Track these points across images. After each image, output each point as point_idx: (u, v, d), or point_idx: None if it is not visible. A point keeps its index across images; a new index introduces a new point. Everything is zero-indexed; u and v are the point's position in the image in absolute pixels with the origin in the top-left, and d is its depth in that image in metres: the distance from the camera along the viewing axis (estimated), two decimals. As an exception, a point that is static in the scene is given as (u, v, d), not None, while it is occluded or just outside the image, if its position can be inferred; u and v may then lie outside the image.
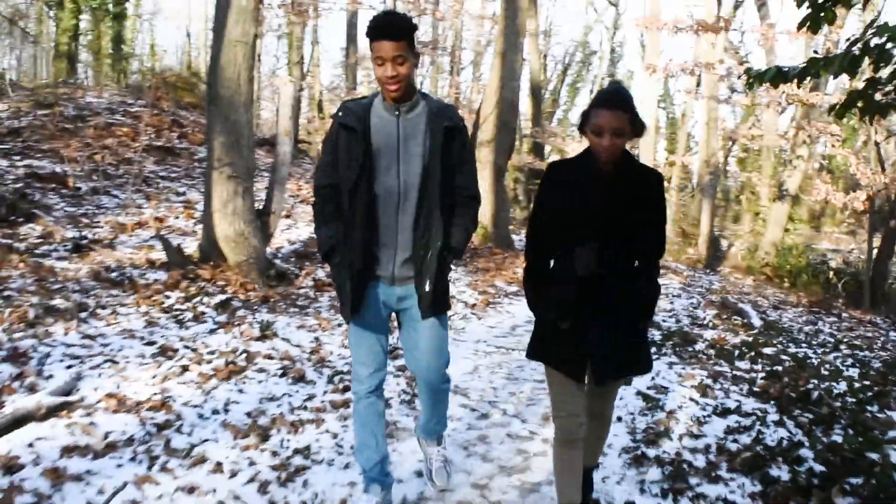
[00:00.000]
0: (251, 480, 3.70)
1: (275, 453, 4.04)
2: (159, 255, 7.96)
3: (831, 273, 13.76)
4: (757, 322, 8.19)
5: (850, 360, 6.45)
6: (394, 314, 3.30)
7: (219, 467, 3.79)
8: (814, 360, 6.35)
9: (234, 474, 3.75)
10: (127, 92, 14.85)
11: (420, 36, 22.46)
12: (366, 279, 3.11)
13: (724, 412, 4.91)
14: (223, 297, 6.92)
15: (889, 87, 2.73)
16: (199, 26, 35.51)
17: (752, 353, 6.53)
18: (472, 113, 16.71)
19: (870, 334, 8.58)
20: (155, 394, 4.55)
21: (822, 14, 2.61)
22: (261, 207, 8.43)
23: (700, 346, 6.99)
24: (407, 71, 2.95)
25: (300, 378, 5.29)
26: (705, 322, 8.52)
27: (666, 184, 23.06)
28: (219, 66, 7.53)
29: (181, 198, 10.93)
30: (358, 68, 25.28)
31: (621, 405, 5.21)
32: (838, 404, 4.69)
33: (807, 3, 2.60)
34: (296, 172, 14.99)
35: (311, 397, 4.95)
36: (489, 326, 8.18)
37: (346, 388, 5.10)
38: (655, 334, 7.42)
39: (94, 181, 10.16)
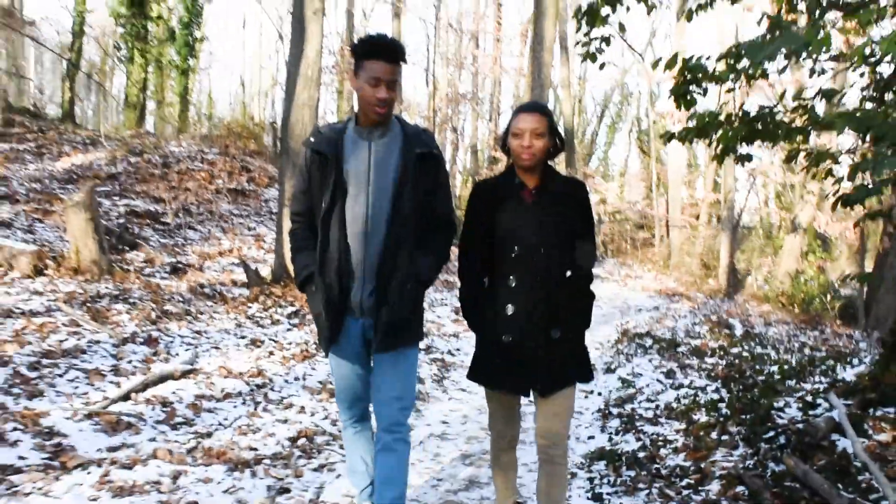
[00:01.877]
0: (325, 418, 5.32)
1: (340, 404, 5.66)
2: (239, 276, 9.73)
3: (828, 297, 14.93)
4: (739, 332, 9.57)
5: (806, 358, 7.81)
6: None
7: (302, 410, 5.42)
8: (772, 356, 7.73)
9: (313, 414, 5.38)
10: (201, 141, 16.89)
11: (460, 87, 24.34)
12: (343, 309, 3.00)
13: (678, 387, 6.38)
14: (293, 308, 8.61)
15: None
16: (251, 74, 38.02)
17: (722, 352, 7.95)
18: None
19: (840, 343, 9.86)
20: (252, 368, 6.21)
21: (685, 100, 4.16)
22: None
23: (682, 349, 8.43)
24: (395, 96, 2.93)
25: (356, 363, 6.91)
26: (697, 334, 9.92)
27: (694, 220, 24.04)
28: (289, 124, 9.35)
29: (252, 231, 12.79)
30: (403, 113, 27.32)
31: (601, 385, 6.72)
32: (762, 378, 6.11)
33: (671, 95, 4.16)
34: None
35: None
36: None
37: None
38: (647, 341, 8.88)
39: (180, 218, 12.06)
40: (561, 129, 18.58)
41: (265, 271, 9.98)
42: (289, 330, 7.65)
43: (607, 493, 4.13)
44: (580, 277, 3.06)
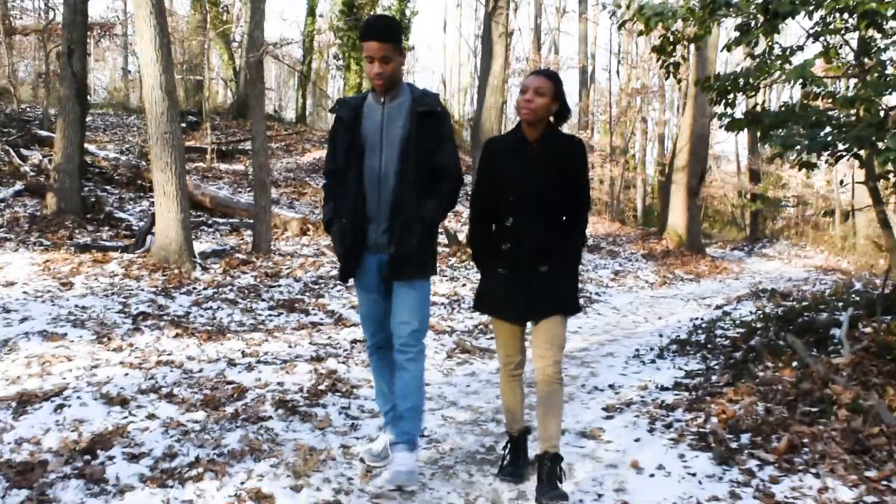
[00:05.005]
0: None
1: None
2: (441, 239, 12.77)
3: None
4: (856, 287, 11.12)
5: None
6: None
7: (471, 318, 8.21)
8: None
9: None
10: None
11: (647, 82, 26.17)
12: (359, 249, 3.41)
13: (754, 313, 8.47)
14: (480, 261, 11.50)
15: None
16: (451, 74, 41.32)
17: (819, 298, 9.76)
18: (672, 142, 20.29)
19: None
20: (449, 291, 9.10)
21: (727, 102, 6.39)
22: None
23: (792, 297, 10.29)
24: (391, 70, 3.26)
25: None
26: (822, 293, 11.58)
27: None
28: (479, 123, 12.23)
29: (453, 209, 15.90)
30: (592, 107, 29.52)
31: (707, 315, 8.94)
32: (823, 305, 8.03)
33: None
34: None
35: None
36: (655, 292, 12.03)
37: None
38: (765, 294, 10.79)
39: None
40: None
41: (461, 236, 12.95)
42: (475, 272, 10.54)
43: (668, 354, 6.55)
44: (573, 221, 3.44)
